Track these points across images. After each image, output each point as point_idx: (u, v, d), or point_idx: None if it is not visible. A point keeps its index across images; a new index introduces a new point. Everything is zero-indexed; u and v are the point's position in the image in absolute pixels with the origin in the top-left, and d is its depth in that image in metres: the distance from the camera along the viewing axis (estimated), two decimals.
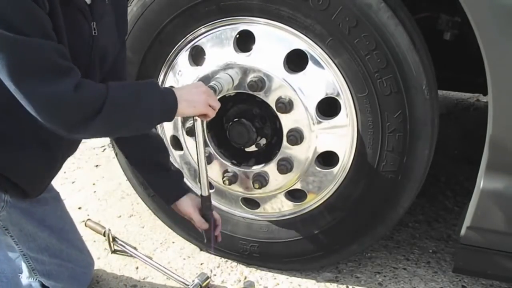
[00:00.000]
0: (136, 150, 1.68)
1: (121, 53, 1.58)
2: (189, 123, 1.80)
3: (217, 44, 1.74)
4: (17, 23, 1.11)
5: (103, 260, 2.07)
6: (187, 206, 1.68)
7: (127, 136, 1.61)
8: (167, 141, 1.94)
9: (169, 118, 1.41)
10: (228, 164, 1.84)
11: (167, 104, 1.36)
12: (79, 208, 2.44)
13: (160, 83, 1.87)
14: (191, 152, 1.88)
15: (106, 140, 2.99)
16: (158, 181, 1.70)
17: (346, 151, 1.69)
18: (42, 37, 1.15)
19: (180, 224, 2.08)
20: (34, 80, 1.16)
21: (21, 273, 1.68)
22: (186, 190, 1.72)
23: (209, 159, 1.84)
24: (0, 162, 1.34)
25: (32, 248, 1.59)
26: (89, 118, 1.22)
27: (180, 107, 1.37)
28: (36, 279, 1.67)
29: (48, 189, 1.60)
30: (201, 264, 2.05)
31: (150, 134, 1.68)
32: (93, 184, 2.64)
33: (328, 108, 1.67)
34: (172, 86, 1.83)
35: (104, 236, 2.11)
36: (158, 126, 1.94)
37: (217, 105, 1.49)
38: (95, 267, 1.90)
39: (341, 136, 1.68)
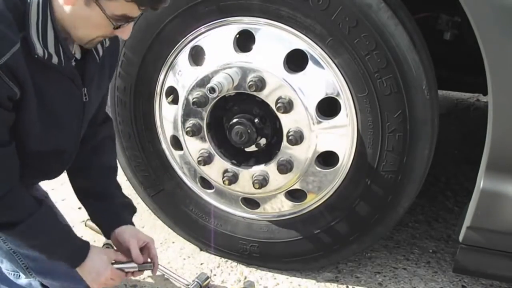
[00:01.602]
0: (84, 181, 1.64)
1: (106, 94, 1.60)
2: (188, 124, 1.80)
3: (217, 44, 1.74)
4: None
5: None
6: (126, 237, 1.61)
7: (77, 168, 1.60)
8: (167, 141, 1.94)
9: (67, 265, 1.50)
10: (228, 164, 1.84)
11: (71, 261, 1.47)
12: (79, 208, 2.43)
13: (160, 83, 1.87)
14: (191, 152, 1.88)
15: None
16: (98, 208, 1.65)
17: (346, 151, 1.69)
18: None
19: (180, 224, 2.09)
20: None
21: (19, 274, 1.68)
22: (127, 222, 1.65)
23: (209, 159, 1.84)
24: None
25: (20, 246, 1.59)
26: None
27: (78, 269, 1.48)
28: (32, 275, 1.66)
29: (35, 189, 1.61)
30: (201, 264, 2.05)
31: (103, 165, 1.65)
32: None
33: (328, 108, 1.67)
34: (174, 89, 1.83)
35: (104, 236, 2.11)
36: (159, 126, 1.94)
37: (118, 281, 1.57)
38: None
39: (341, 136, 1.68)
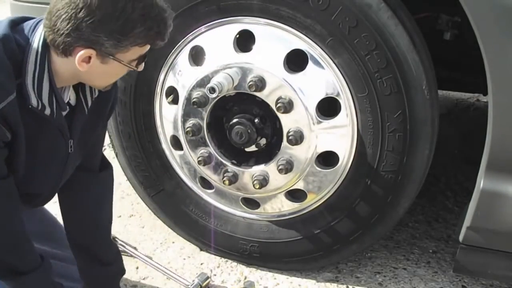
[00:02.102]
0: (81, 237, 1.64)
1: (101, 134, 1.59)
2: (188, 124, 1.80)
3: (217, 44, 1.74)
4: None
5: None
6: None
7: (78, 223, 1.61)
8: (168, 141, 1.94)
9: None
10: (228, 164, 1.84)
11: None
12: None
13: (160, 83, 1.87)
14: (190, 152, 1.88)
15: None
16: (87, 266, 1.67)
17: (346, 151, 1.69)
18: None
19: (180, 224, 2.09)
20: None
21: None
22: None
23: (209, 159, 1.84)
24: None
25: None
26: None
27: None
28: None
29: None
30: (201, 264, 2.05)
31: (101, 223, 1.67)
32: None
33: (328, 108, 1.67)
34: (174, 89, 1.83)
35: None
36: (159, 126, 1.94)
37: None
38: None
39: (341, 136, 1.68)
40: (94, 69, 1.22)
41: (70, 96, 1.36)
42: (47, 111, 1.26)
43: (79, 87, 1.37)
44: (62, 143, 1.36)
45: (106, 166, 1.65)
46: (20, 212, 1.35)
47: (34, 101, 1.22)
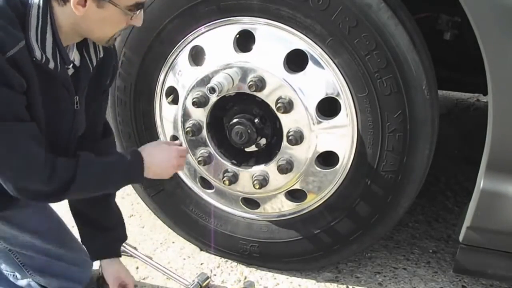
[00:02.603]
0: (81, 204, 1.66)
1: (102, 103, 1.59)
2: (188, 124, 1.80)
3: (217, 44, 1.74)
4: None
5: None
6: (109, 273, 1.71)
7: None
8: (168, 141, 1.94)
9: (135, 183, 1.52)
10: (228, 164, 1.84)
11: (133, 178, 1.50)
12: None
13: (160, 83, 1.87)
14: (191, 152, 1.87)
15: None
16: (89, 234, 1.69)
17: (346, 151, 1.69)
18: (15, 120, 1.21)
19: (180, 224, 2.09)
20: (5, 162, 1.24)
21: (16, 276, 1.68)
22: (115, 254, 1.72)
23: (209, 159, 1.84)
24: None
25: (15, 245, 1.59)
26: (60, 193, 1.33)
27: (147, 175, 1.48)
28: (30, 274, 1.65)
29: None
30: (201, 264, 2.05)
31: (111, 205, 1.70)
32: None
33: (328, 108, 1.67)
34: (174, 89, 1.83)
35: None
36: (159, 126, 1.94)
37: (183, 166, 1.63)
38: (95, 267, 1.89)
39: (341, 136, 1.68)
40: (91, 15, 1.23)
41: (74, 57, 1.37)
42: (51, 65, 1.27)
43: (83, 47, 1.38)
44: (68, 99, 1.37)
45: (108, 134, 1.67)
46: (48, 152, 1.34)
47: (38, 53, 1.23)
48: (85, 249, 1.72)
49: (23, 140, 1.24)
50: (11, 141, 1.22)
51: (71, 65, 1.36)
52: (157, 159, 1.50)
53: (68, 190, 1.32)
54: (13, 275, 1.67)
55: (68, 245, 1.72)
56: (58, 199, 1.38)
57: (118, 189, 1.54)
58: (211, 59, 1.74)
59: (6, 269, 1.67)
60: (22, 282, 1.68)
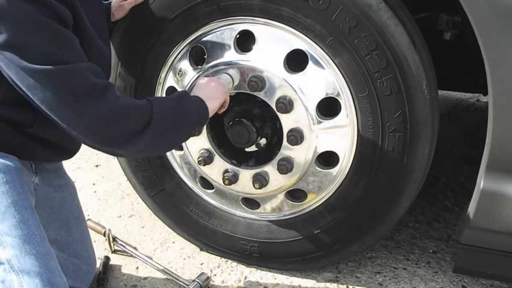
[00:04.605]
0: None
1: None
2: None
3: (217, 44, 1.74)
4: (57, 54, 1.15)
5: None
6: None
7: None
8: None
9: (204, 123, 1.50)
10: (228, 164, 1.84)
11: (202, 111, 1.46)
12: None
13: (160, 83, 1.87)
14: (191, 152, 1.88)
15: None
16: None
17: (346, 151, 1.69)
18: (79, 61, 1.20)
19: (180, 224, 2.09)
20: (77, 105, 1.20)
21: None
22: None
23: (209, 159, 1.84)
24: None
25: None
26: (138, 133, 1.28)
27: (210, 108, 1.47)
28: None
29: (67, 177, 1.67)
30: (201, 264, 2.05)
31: None
32: (93, 184, 2.64)
33: (328, 108, 1.67)
34: (174, 89, 1.83)
35: (104, 236, 2.12)
36: None
37: (228, 94, 1.60)
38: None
39: (341, 136, 1.68)
40: None
41: None
42: None
43: None
44: (99, 43, 1.38)
45: None
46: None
47: None
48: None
49: (91, 78, 1.21)
50: (86, 83, 1.20)
51: None
52: (206, 88, 1.52)
53: (143, 133, 1.28)
54: None
55: (86, 241, 1.78)
56: (132, 143, 1.30)
57: (191, 131, 1.48)
58: (211, 59, 1.74)
59: None
60: None
